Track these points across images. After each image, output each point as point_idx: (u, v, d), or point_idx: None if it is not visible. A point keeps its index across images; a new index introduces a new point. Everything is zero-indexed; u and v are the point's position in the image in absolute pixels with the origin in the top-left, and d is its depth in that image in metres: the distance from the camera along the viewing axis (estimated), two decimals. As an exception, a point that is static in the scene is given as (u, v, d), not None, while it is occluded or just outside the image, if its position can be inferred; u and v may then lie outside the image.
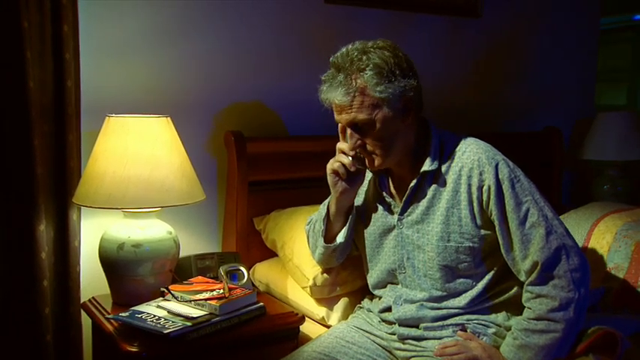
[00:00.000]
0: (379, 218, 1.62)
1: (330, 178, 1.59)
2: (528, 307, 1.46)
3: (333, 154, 1.58)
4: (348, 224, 1.63)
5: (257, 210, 2.13)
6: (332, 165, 1.57)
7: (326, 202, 1.68)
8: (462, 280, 1.52)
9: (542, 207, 1.45)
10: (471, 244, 1.49)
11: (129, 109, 1.85)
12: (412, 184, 1.53)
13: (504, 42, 2.85)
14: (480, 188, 1.46)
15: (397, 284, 1.62)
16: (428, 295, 1.55)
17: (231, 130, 2.08)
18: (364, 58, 1.42)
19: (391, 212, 1.59)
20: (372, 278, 1.67)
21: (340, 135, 1.56)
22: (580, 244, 1.97)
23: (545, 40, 2.98)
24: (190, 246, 2.06)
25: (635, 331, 1.63)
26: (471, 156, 1.49)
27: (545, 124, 2.89)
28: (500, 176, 1.46)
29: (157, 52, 2.02)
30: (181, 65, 2.07)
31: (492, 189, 1.45)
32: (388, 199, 1.59)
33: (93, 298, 1.84)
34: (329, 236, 1.66)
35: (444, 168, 1.51)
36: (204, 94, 2.12)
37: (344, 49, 1.47)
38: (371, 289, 1.70)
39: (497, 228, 1.47)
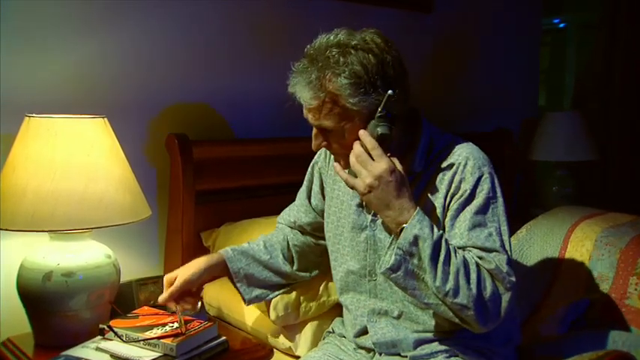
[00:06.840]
0: (351, 214, 1.46)
1: None
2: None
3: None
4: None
5: (205, 223, 1.97)
6: None
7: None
8: None
9: (504, 240, 1.30)
10: None
11: (52, 108, 1.61)
12: None
13: (455, 39, 2.83)
14: (454, 195, 1.33)
15: (362, 294, 1.46)
16: (401, 306, 1.40)
17: (174, 132, 1.89)
18: (342, 60, 1.24)
19: (364, 210, 1.44)
20: (337, 280, 1.52)
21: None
22: (557, 252, 1.91)
23: (493, 39, 2.99)
24: (127, 269, 1.80)
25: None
26: (459, 159, 1.35)
27: (493, 124, 2.88)
28: (478, 189, 1.32)
29: (86, 42, 1.81)
30: (115, 58, 1.87)
31: (467, 194, 1.31)
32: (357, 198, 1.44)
33: (8, 339, 1.58)
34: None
35: (428, 172, 1.38)
36: (142, 92, 1.93)
37: (323, 39, 1.28)
38: (338, 295, 1.55)
39: (447, 217, 1.32)
